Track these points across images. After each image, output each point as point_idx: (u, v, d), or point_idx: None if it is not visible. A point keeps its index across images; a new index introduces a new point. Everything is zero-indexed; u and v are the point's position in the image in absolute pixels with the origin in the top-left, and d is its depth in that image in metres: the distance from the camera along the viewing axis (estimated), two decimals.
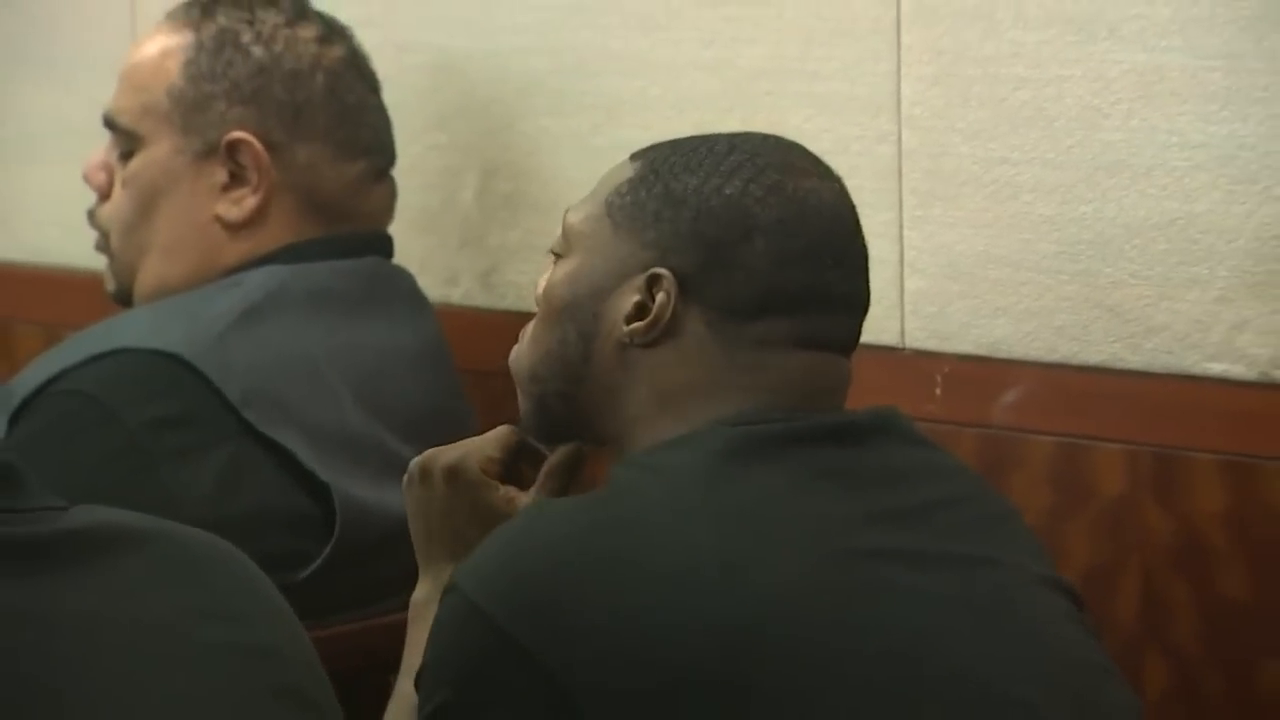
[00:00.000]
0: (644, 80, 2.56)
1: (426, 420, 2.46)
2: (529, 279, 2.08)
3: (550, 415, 2.04)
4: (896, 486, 1.96)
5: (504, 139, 2.68)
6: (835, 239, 2.00)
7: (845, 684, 1.84)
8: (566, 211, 2.03)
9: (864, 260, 2.02)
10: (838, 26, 2.43)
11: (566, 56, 2.62)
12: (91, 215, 2.61)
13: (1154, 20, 2.25)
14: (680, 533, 1.88)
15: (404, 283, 2.58)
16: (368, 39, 2.59)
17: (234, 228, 2.53)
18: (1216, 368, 2.24)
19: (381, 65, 2.59)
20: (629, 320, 1.98)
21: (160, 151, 2.55)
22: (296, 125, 2.53)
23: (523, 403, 2.05)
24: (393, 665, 2.22)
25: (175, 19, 2.57)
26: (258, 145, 2.52)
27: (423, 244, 2.69)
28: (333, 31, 2.57)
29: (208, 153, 2.54)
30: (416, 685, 1.93)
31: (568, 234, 2.03)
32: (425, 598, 2.08)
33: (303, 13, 2.57)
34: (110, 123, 2.58)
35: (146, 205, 2.55)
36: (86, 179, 2.60)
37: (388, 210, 2.59)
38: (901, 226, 2.39)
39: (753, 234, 1.97)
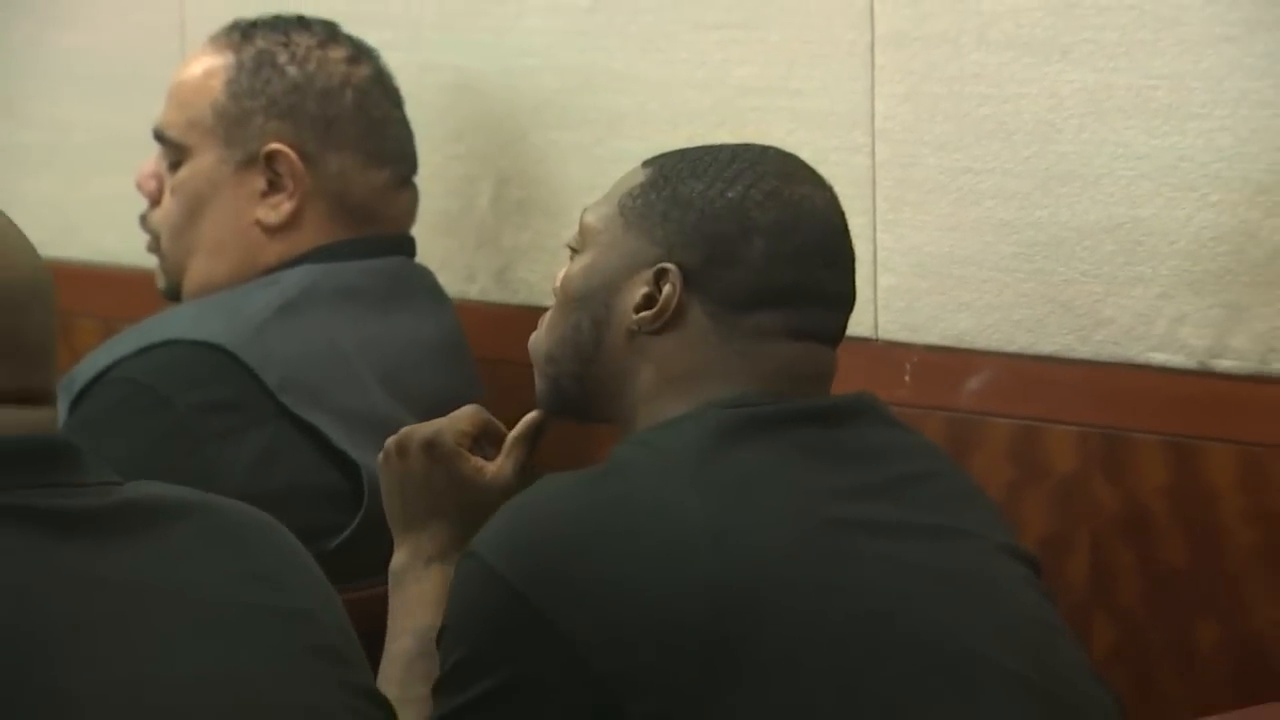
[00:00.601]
0: (643, 97, 2.56)
1: (446, 405, 2.43)
2: (539, 276, 2.08)
3: (564, 394, 2.04)
4: (872, 463, 1.95)
5: (516, 150, 2.68)
6: (826, 241, 2.00)
7: (824, 641, 1.84)
8: (584, 211, 2.04)
9: (851, 261, 2.02)
10: (818, 49, 2.42)
11: (572, 76, 2.62)
12: (144, 219, 2.60)
13: (1102, 44, 2.24)
14: (675, 505, 1.87)
15: (426, 280, 2.58)
16: (392, 59, 2.59)
17: (272, 230, 2.53)
18: (1159, 357, 2.23)
19: (405, 83, 2.59)
20: (638, 310, 1.98)
21: (205, 162, 2.54)
22: (328, 137, 2.53)
23: (539, 382, 2.05)
24: None
25: (218, 41, 2.57)
26: (293, 156, 2.52)
27: (443, 245, 2.68)
28: (360, 52, 2.57)
29: (248, 162, 2.53)
30: (437, 643, 1.92)
31: (584, 232, 2.03)
32: (403, 566, 2.08)
33: (333, 35, 2.57)
34: (160, 136, 2.57)
35: (193, 210, 2.55)
36: (139, 187, 2.60)
37: (411, 214, 2.59)
38: (875, 229, 2.39)
39: (752, 234, 1.97)
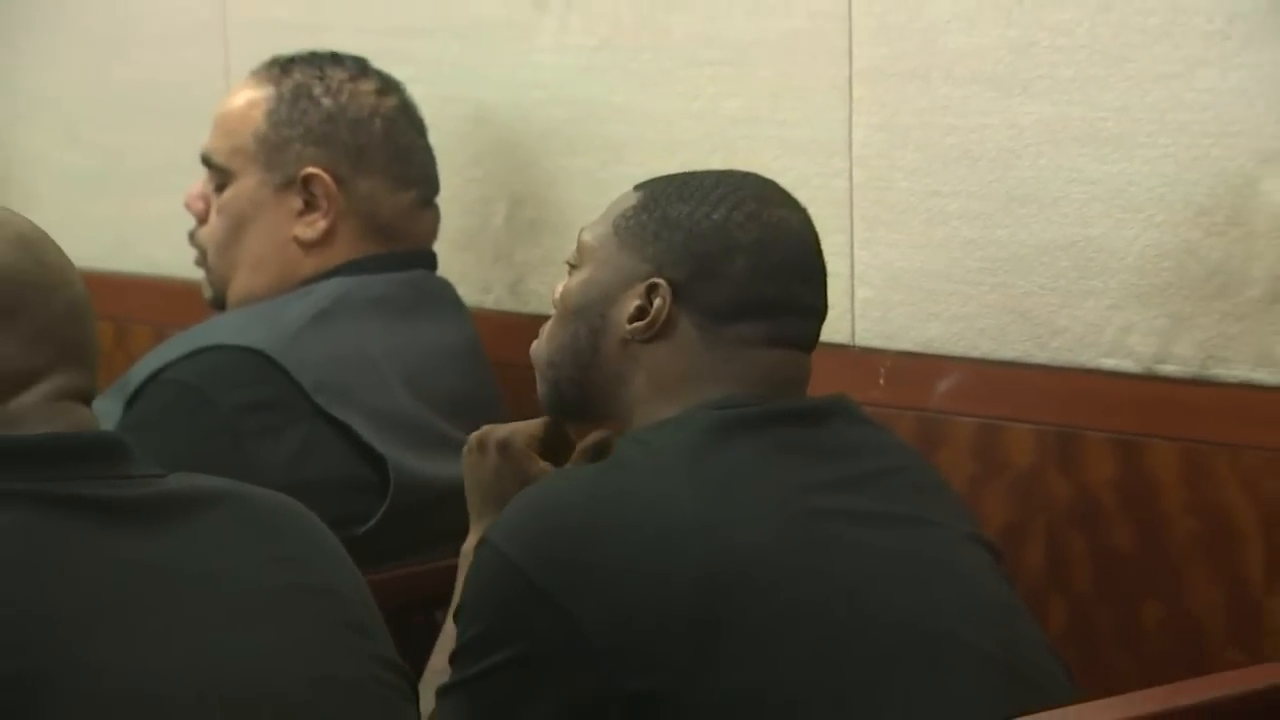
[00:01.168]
0: (642, 127, 2.55)
1: (465, 404, 2.45)
2: (548, 289, 2.07)
3: (562, 396, 2.04)
4: (848, 459, 1.95)
5: (528, 174, 2.68)
6: (802, 258, 2.01)
7: (804, 621, 1.84)
8: (581, 231, 2.04)
9: (824, 276, 2.02)
10: (801, 84, 2.42)
11: (579, 108, 2.62)
12: (192, 236, 2.60)
13: (1058, 80, 2.23)
14: (669, 498, 1.87)
15: (446, 291, 2.57)
16: (417, 92, 2.58)
17: (308, 246, 2.52)
18: (1109, 363, 2.23)
19: (428, 113, 2.58)
20: (631, 320, 1.98)
21: (248, 184, 2.54)
22: (359, 162, 2.52)
23: (540, 385, 2.05)
24: (434, 604, 2.22)
25: (259, 75, 2.57)
26: (328, 178, 2.51)
27: (461, 259, 2.68)
28: (388, 85, 2.56)
29: (286, 185, 2.53)
30: (455, 619, 1.92)
31: (581, 249, 2.03)
32: (470, 550, 2.07)
33: (363, 70, 2.56)
34: (207, 160, 2.57)
35: (237, 228, 2.54)
36: (187, 207, 2.59)
37: (433, 232, 2.59)
38: (852, 246, 2.38)
39: (734, 252, 1.97)
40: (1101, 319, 2.22)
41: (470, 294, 2.62)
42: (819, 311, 2.02)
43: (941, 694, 1.82)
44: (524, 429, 2.09)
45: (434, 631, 2.12)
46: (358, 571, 1.71)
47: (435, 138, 2.58)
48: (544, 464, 2.07)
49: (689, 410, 1.94)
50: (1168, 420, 2.18)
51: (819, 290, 2.01)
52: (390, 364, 2.45)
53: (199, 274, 2.61)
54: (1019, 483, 2.28)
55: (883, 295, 2.38)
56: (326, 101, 2.52)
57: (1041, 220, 2.26)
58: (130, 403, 2.41)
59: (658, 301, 1.97)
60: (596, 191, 2.41)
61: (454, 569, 2.07)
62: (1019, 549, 2.25)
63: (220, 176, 2.55)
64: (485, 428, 2.10)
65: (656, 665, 1.80)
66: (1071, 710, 1.83)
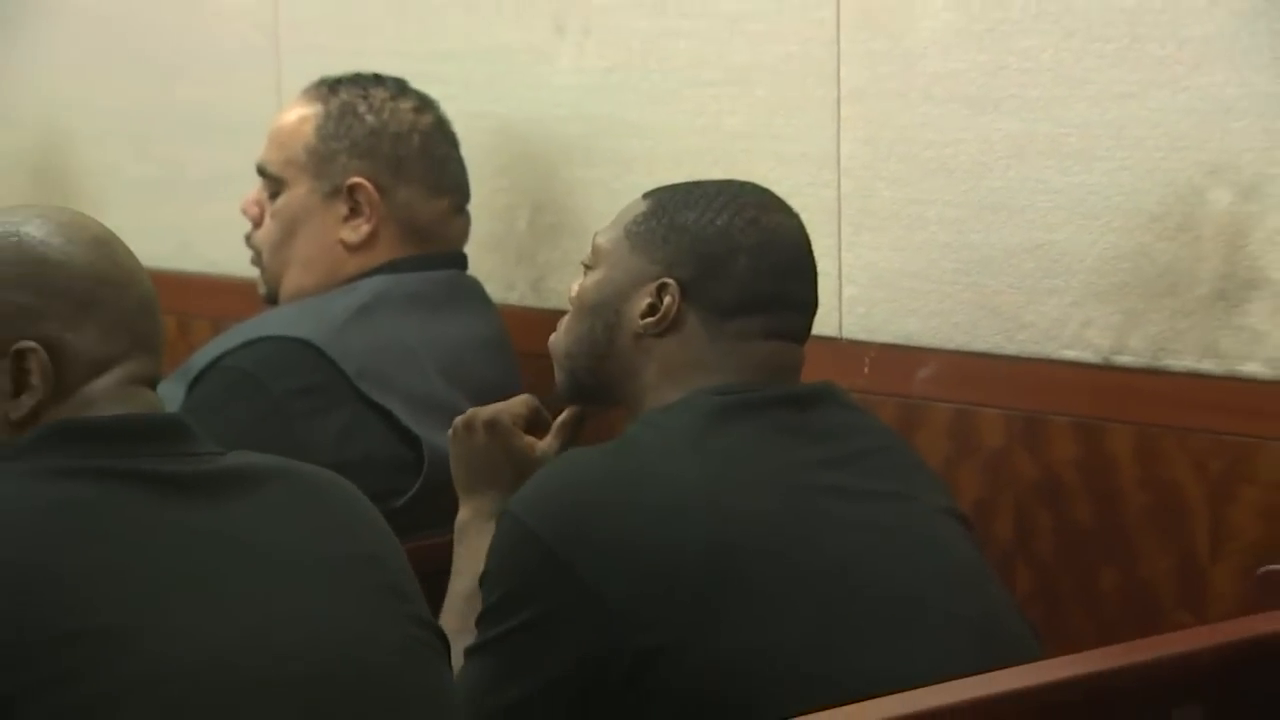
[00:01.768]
0: (651, 141, 2.55)
1: (493, 391, 2.44)
2: (567, 286, 2.07)
3: (580, 384, 2.03)
4: (837, 440, 1.95)
5: (548, 184, 2.67)
6: (796, 259, 2.01)
7: (796, 587, 1.84)
8: (595, 235, 2.03)
9: (815, 275, 2.02)
10: (795, 103, 2.41)
11: (594, 124, 2.61)
12: (248, 238, 2.59)
13: (1025, 99, 2.23)
14: (675, 475, 1.87)
15: (476, 288, 2.56)
16: (450, 109, 2.58)
17: (352, 248, 2.52)
18: (1070, 354, 2.22)
19: (460, 129, 2.58)
20: (643, 316, 1.97)
21: (299, 192, 2.53)
22: (399, 172, 2.52)
23: (559, 375, 2.05)
24: None
25: (309, 94, 2.56)
26: (370, 187, 2.51)
27: (489, 260, 2.67)
28: (425, 104, 2.56)
29: (334, 193, 2.52)
30: (481, 584, 1.92)
31: (596, 252, 2.03)
32: (466, 521, 2.09)
33: (403, 90, 2.56)
34: (261, 170, 2.56)
35: (289, 232, 2.54)
36: (244, 212, 2.59)
37: (464, 235, 2.58)
38: (840, 249, 2.38)
39: (736, 254, 1.96)
40: (1064, 315, 2.22)
41: (497, 291, 2.62)
42: (810, 306, 2.01)
43: (921, 651, 1.81)
44: (508, 408, 2.08)
45: None
46: (396, 540, 1.70)
47: (466, 151, 2.58)
48: (528, 439, 2.07)
49: (693, 395, 1.93)
50: (1123, 406, 2.17)
51: (811, 287, 2.01)
52: (426, 354, 2.45)
53: (254, 272, 2.60)
54: (989, 462, 2.27)
55: (867, 293, 2.37)
56: (370, 118, 2.52)
57: (1010, 226, 2.25)
58: (192, 387, 2.41)
59: (667, 299, 1.96)
60: (610, 199, 2.40)
61: None
62: (989, 522, 2.24)
63: (274, 185, 2.55)
64: (471, 410, 2.10)
65: (664, 624, 1.80)
66: (1037, 666, 1.83)
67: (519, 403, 2.09)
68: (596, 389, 2.02)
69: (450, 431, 2.09)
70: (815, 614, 1.81)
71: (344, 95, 2.54)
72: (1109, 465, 2.18)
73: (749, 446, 1.90)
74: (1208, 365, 2.12)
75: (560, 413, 2.09)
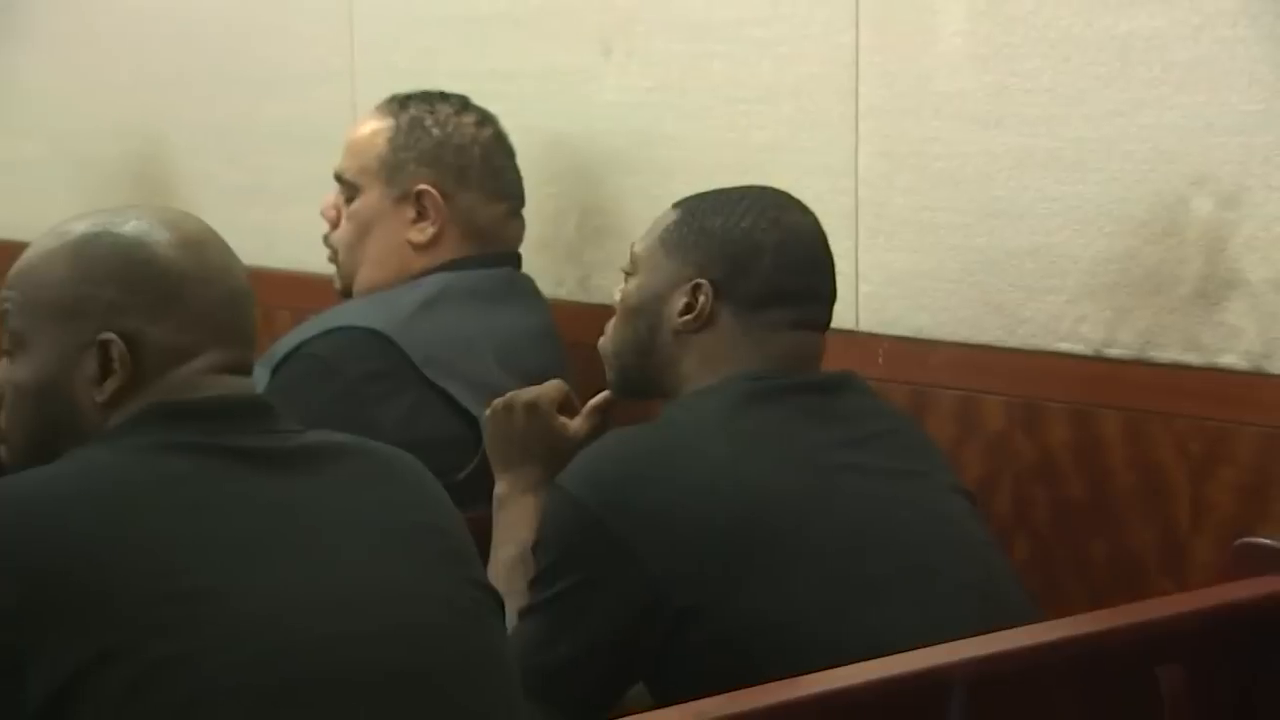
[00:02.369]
0: (687, 152, 2.54)
1: (542, 376, 2.41)
2: (610, 283, 2.07)
3: (629, 381, 2.04)
4: (854, 422, 1.94)
5: (595, 191, 2.67)
6: (815, 255, 2.00)
7: (817, 554, 1.83)
8: (632, 244, 2.04)
9: (833, 269, 2.02)
10: (817, 118, 2.40)
11: (636, 136, 2.61)
12: (326, 239, 2.59)
13: (1026, 117, 2.21)
14: (708, 452, 1.87)
15: (528, 285, 2.56)
16: (507, 123, 2.58)
17: (419, 248, 2.51)
18: (1065, 346, 2.21)
19: (516, 141, 2.57)
20: (680, 315, 1.97)
21: (372, 197, 2.53)
22: (461, 180, 2.51)
23: (609, 373, 2.06)
24: None
25: (381, 109, 2.56)
26: (436, 194, 2.51)
27: (541, 259, 2.67)
28: (485, 118, 2.56)
29: (403, 198, 2.52)
30: (533, 551, 1.92)
31: (634, 259, 2.03)
32: (505, 494, 2.09)
33: (465, 105, 2.55)
34: (338, 177, 2.56)
35: (362, 233, 2.54)
36: (322, 214, 2.59)
37: (519, 237, 2.58)
38: (857, 251, 2.37)
39: (761, 252, 1.96)
40: (1060, 311, 2.21)
41: (547, 287, 2.61)
42: (829, 298, 2.01)
43: (930, 614, 1.81)
44: (546, 392, 2.09)
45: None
46: (457, 511, 1.70)
47: (521, 160, 2.58)
48: (563, 419, 2.06)
49: (726, 382, 1.93)
50: (1113, 394, 2.16)
51: (830, 279, 2.01)
52: (483, 343, 2.44)
53: (330, 269, 2.60)
54: (991, 444, 2.26)
55: (881, 290, 2.36)
56: (436, 131, 2.52)
57: (1012, 231, 2.24)
58: (275, 372, 2.41)
59: (701, 298, 1.96)
60: (650, 205, 2.39)
61: None
62: (991, 498, 2.23)
63: (349, 191, 2.55)
64: (509, 394, 2.10)
65: (696, 586, 1.80)
66: (1034, 628, 1.82)
67: (553, 387, 2.10)
68: (643, 383, 2.02)
69: (489, 412, 2.09)
70: (833, 579, 1.81)
71: (413, 110, 2.54)
72: (1099, 447, 2.17)
73: (775, 427, 1.89)
74: (1190, 357, 2.11)
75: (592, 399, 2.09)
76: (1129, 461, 2.15)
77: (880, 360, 2.34)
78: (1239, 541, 1.94)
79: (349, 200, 2.55)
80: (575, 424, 2.08)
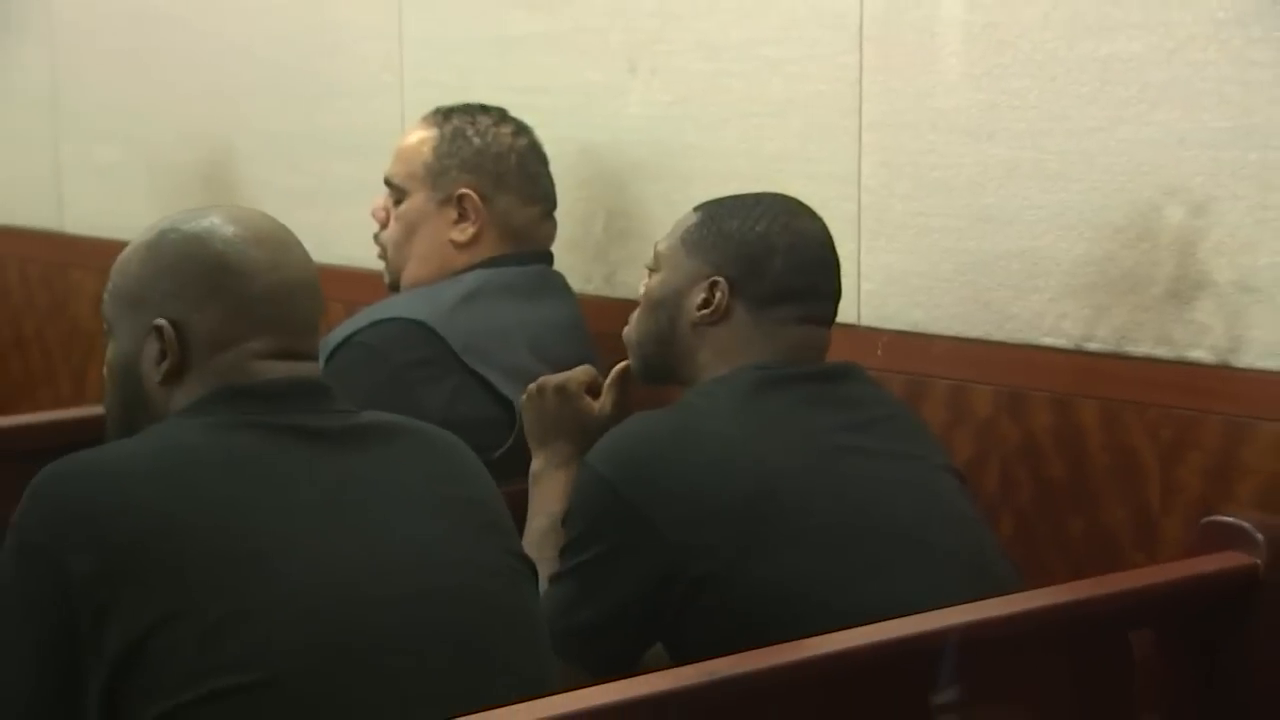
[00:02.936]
0: (705, 161, 2.54)
1: (571, 364, 2.40)
2: (634, 280, 2.07)
3: (652, 368, 2.04)
4: (857, 408, 1.94)
5: (620, 195, 2.67)
6: (823, 256, 2.00)
7: (822, 528, 1.83)
8: (656, 243, 2.04)
9: (838, 269, 2.02)
10: (824, 131, 2.40)
11: (659, 146, 2.60)
12: (376, 238, 2.59)
13: (1014, 131, 2.21)
14: (724, 434, 1.87)
15: (560, 281, 2.56)
16: (541, 134, 2.57)
17: (460, 247, 2.51)
18: (1048, 340, 2.20)
19: (549, 149, 2.57)
20: (698, 309, 1.97)
21: (418, 200, 2.53)
22: (499, 185, 2.51)
23: (633, 361, 2.06)
24: None
25: (427, 120, 2.56)
26: (476, 197, 2.50)
27: (571, 257, 2.67)
28: (521, 129, 2.55)
29: (445, 201, 2.52)
30: (563, 523, 1.92)
31: (657, 257, 2.03)
32: (539, 470, 2.09)
33: (504, 117, 2.55)
34: (388, 182, 2.56)
35: (409, 232, 2.53)
36: (373, 216, 2.59)
37: (551, 237, 2.57)
38: (859, 252, 2.36)
39: (774, 254, 1.96)
40: (1043, 308, 2.20)
41: (576, 283, 2.61)
42: (835, 296, 2.01)
43: (923, 584, 1.81)
44: (574, 377, 2.10)
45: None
46: (495, 485, 1.70)
47: (553, 167, 2.57)
48: (589, 400, 2.07)
49: (739, 371, 1.93)
50: (1092, 384, 2.16)
51: (835, 279, 2.01)
52: (518, 333, 2.44)
53: (379, 265, 2.60)
54: (980, 429, 2.25)
55: (881, 288, 2.35)
56: (476, 140, 2.52)
57: (1000, 235, 2.23)
58: (329, 359, 2.41)
59: (718, 294, 1.96)
60: (671, 209, 2.39)
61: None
62: (979, 478, 2.22)
63: (397, 194, 2.55)
64: (541, 378, 2.10)
65: (711, 555, 1.80)
66: (1018, 597, 1.81)
67: (580, 372, 2.10)
68: (663, 369, 2.02)
69: (524, 396, 2.09)
70: (835, 552, 1.81)
71: (455, 121, 2.54)
72: (1079, 433, 2.16)
73: (784, 412, 1.89)
74: (1162, 352, 2.10)
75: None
76: (1105, 446, 2.15)
77: (880, 352, 2.34)
78: (1205, 520, 1.93)
79: (397, 203, 2.55)
80: (600, 402, 2.08)
